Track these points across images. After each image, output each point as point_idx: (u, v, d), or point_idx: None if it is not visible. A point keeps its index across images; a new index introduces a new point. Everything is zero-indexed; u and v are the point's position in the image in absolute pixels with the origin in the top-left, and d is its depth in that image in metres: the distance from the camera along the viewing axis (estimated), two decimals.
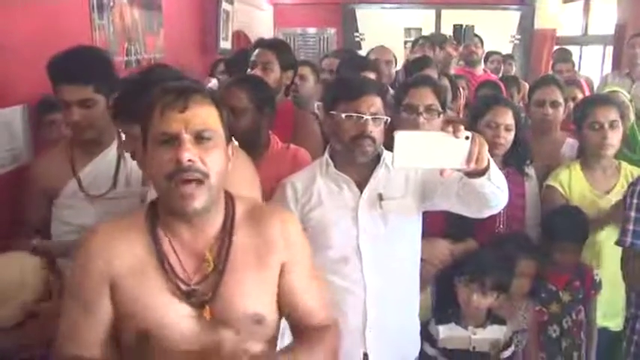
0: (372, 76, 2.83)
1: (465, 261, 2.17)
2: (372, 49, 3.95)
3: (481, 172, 1.44)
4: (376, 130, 1.77)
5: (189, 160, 1.16)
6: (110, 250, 1.24)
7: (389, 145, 1.65)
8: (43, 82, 1.94)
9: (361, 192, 1.82)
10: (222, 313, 1.25)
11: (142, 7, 3.68)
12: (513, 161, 2.40)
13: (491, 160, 1.43)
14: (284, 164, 2.14)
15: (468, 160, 1.32)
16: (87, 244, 1.27)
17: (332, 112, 1.82)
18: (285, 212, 1.40)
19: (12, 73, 2.26)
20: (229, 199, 1.32)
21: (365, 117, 1.75)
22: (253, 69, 2.64)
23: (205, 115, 1.20)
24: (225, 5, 5.15)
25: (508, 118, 2.32)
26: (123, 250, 1.24)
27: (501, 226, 2.33)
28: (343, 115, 1.78)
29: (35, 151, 2.39)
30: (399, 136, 1.29)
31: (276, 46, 2.74)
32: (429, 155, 1.30)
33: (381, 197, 1.80)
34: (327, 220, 1.81)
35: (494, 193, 1.53)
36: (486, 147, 1.36)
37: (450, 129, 1.29)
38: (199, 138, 1.18)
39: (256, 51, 2.69)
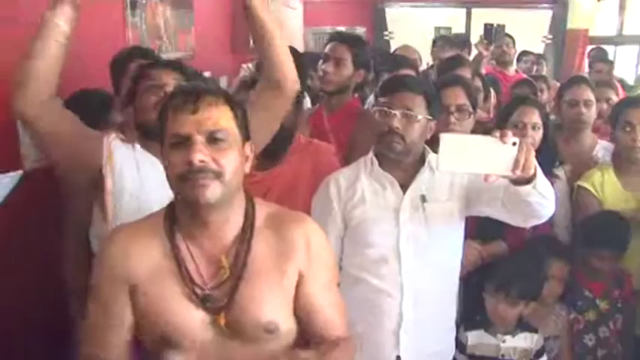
0: (411, 72, 2.80)
1: (492, 268, 2.14)
2: (398, 47, 3.93)
3: (527, 181, 1.41)
4: (407, 128, 1.75)
5: (201, 161, 1.17)
6: (130, 253, 1.25)
7: (435, 148, 1.64)
8: (79, 78, 1.96)
9: (404, 193, 1.80)
10: (237, 320, 1.24)
11: (174, 5, 3.71)
12: (541, 161, 2.35)
13: (538, 168, 1.40)
14: (306, 160, 2.12)
15: (514, 167, 1.30)
16: (108, 248, 1.29)
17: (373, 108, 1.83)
18: (308, 220, 1.37)
19: None
20: (250, 204, 1.31)
21: (393, 112, 1.73)
22: (325, 62, 2.55)
23: (217, 116, 1.20)
24: None
25: (535, 117, 2.30)
26: (142, 253, 1.25)
27: (530, 228, 2.28)
28: (375, 110, 1.78)
29: None
30: (445, 138, 1.28)
31: (351, 41, 2.62)
32: (475, 160, 1.28)
33: (424, 199, 1.78)
34: (369, 219, 1.80)
35: (540, 202, 1.50)
36: (533, 154, 1.33)
37: (497, 134, 1.27)
38: (212, 139, 1.19)
39: (330, 44, 2.58)
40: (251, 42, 5.56)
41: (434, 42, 4.57)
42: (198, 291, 1.24)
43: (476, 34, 5.89)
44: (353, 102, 2.66)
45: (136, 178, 1.68)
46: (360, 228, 1.80)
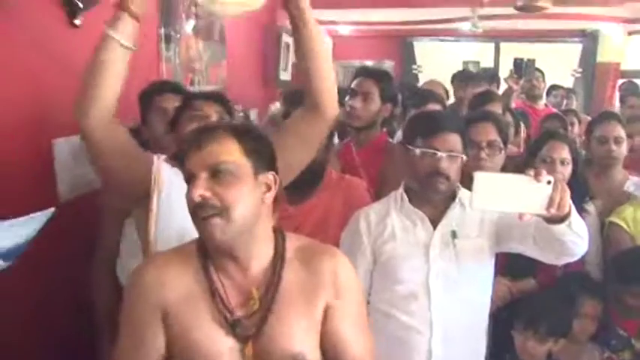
0: (437, 107, 2.81)
1: (521, 305, 2.10)
2: (425, 82, 3.95)
3: (561, 219, 1.40)
4: (451, 168, 1.76)
5: (201, 197, 1.18)
6: (163, 280, 1.27)
7: (464, 182, 1.63)
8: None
9: (434, 229, 1.80)
10: (265, 351, 1.24)
11: (207, 38, 3.80)
12: (571, 197, 2.33)
13: (572, 206, 1.39)
14: (338, 195, 2.13)
15: (549, 206, 1.29)
16: (142, 274, 1.30)
17: (409, 146, 1.81)
18: (338, 254, 1.37)
19: None
20: (280, 236, 1.32)
21: (439, 154, 1.74)
22: (352, 98, 2.57)
23: (220, 150, 1.22)
24: (285, 37, 5.26)
25: (564, 153, 2.28)
26: (175, 280, 1.27)
27: (561, 265, 2.25)
28: (418, 151, 1.77)
29: None
30: (479, 176, 1.28)
31: (378, 75, 2.64)
32: (509, 198, 1.28)
33: (454, 235, 1.78)
34: (398, 255, 1.80)
35: (574, 241, 1.49)
36: (568, 193, 1.33)
37: (532, 172, 1.27)
38: (215, 173, 1.20)
39: (357, 79, 2.60)
40: (281, 75, 5.63)
41: (453, 77, 4.55)
42: (229, 316, 1.25)
43: (504, 67, 5.91)
44: (381, 136, 2.67)
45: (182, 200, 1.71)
46: (389, 264, 1.80)
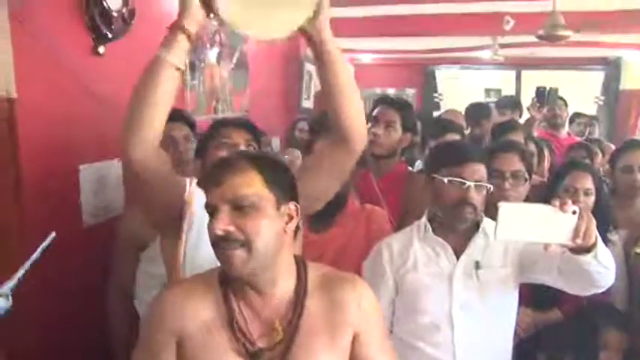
0: (456, 137, 2.81)
1: (545, 336, 2.06)
2: (444, 111, 3.95)
3: (587, 250, 1.38)
4: (478, 198, 1.76)
5: (223, 230, 1.18)
6: (183, 308, 1.27)
7: (487, 212, 1.61)
8: None
9: (458, 259, 1.79)
10: None
11: (230, 66, 3.86)
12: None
13: (598, 237, 1.38)
14: (359, 224, 2.13)
15: (574, 236, 1.29)
16: (161, 300, 1.31)
17: (434, 175, 1.81)
18: (360, 282, 1.37)
19: (108, 127, 2.41)
20: (302, 266, 1.32)
21: (467, 183, 1.74)
22: (374, 126, 2.58)
23: (241, 183, 1.21)
24: (308, 66, 5.31)
25: (587, 183, 2.26)
26: (195, 309, 1.27)
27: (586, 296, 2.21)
28: (445, 180, 1.76)
29: (126, 204, 2.51)
30: (504, 207, 1.28)
31: (400, 105, 2.66)
32: (533, 229, 1.27)
33: (477, 265, 1.76)
34: (421, 285, 1.78)
35: (600, 272, 1.46)
36: (594, 223, 1.31)
37: (557, 202, 1.26)
38: (237, 206, 1.20)
39: (378, 108, 2.60)
40: (303, 102, 5.66)
41: (467, 110, 4.53)
42: (249, 347, 1.24)
43: (526, 95, 5.90)
44: (401, 165, 2.68)
45: None
46: (412, 294, 1.78)
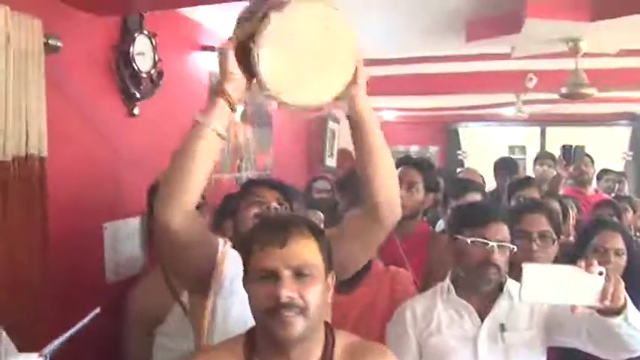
0: (477, 196, 2.81)
1: None
2: (461, 170, 3.96)
3: (617, 312, 1.36)
4: (501, 259, 1.74)
5: (289, 297, 1.18)
6: None
7: (512, 273, 1.59)
8: None
9: (482, 321, 1.76)
10: None
11: (255, 124, 3.93)
12: (628, 288, 2.24)
13: (628, 299, 1.36)
14: (384, 285, 2.12)
15: (602, 298, 1.27)
16: None
17: (457, 236, 1.81)
18: (388, 352, 1.35)
19: (132, 185, 2.48)
20: (329, 332, 1.31)
21: (490, 244, 1.74)
22: None
23: (304, 251, 1.21)
24: (331, 124, 5.40)
25: (618, 243, 2.20)
26: None
27: None
28: (469, 241, 1.76)
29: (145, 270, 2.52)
30: (528, 268, 1.27)
31: (421, 165, 2.66)
32: (559, 290, 1.26)
33: (503, 328, 1.73)
34: (445, 349, 1.75)
35: (631, 335, 1.42)
36: (622, 284, 1.30)
37: (582, 264, 1.25)
38: (298, 274, 1.20)
39: (400, 169, 2.53)
40: (327, 160, 5.67)
41: (495, 169, 4.59)
42: None
43: (551, 151, 5.87)
44: (423, 226, 2.67)
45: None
46: (436, 357, 1.75)
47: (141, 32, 2.50)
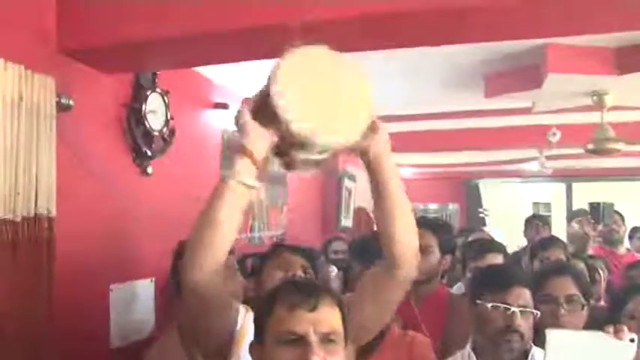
0: (499, 258, 2.79)
1: None
2: (479, 230, 3.93)
3: None
4: (524, 325, 1.71)
5: None
6: None
7: (536, 340, 1.55)
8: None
9: None
10: None
11: (268, 182, 3.97)
12: None
13: None
14: (401, 351, 2.09)
15: None
16: None
17: (477, 301, 1.79)
18: None
19: (143, 245, 2.51)
20: None
21: (512, 309, 1.72)
22: None
23: (332, 317, 1.23)
24: (347, 182, 5.43)
25: None
26: None
27: None
28: (489, 306, 1.74)
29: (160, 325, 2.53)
30: (552, 335, 1.25)
31: (437, 227, 2.64)
32: (586, 358, 1.24)
33: None
34: None
35: None
36: None
37: (611, 329, 1.24)
38: (325, 340, 1.21)
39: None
40: (342, 221, 5.64)
41: (527, 221, 4.58)
42: None
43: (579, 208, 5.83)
44: (441, 289, 2.65)
45: None
46: None
47: (153, 90, 2.58)
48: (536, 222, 4.57)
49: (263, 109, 1.29)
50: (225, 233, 1.33)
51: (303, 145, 1.29)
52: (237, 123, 1.34)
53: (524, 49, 2.93)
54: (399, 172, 1.47)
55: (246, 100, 1.35)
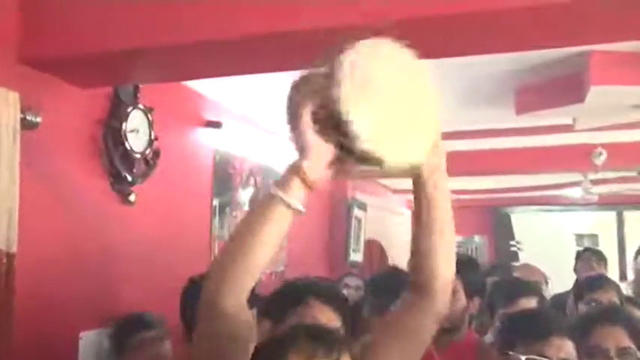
0: (533, 302, 2.75)
1: None
2: (516, 268, 3.89)
3: None
4: None
5: None
6: None
7: None
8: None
9: None
10: None
11: None
12: None
13: None
14: None
15: None
16: None
17: (509, 352, 1.77)
18: None
19: (122, 284, 2.50)
20: None
21: None
22: None
23: None
24: (357, 211, 5.42)
25: None
26: None
27: None
28: (523, 359, 1.73)
29: None
30: None
31: (461, 265, 2.65)
32: None
33: None
34: None
35: None
36: None
37: None
38: None
39: None
40: (351, 255, 5.60)
41: (578, 255, 4.51)
42: None
43: (632, 242, 5.77)
44: (469, 336, 2.61)
45: None
46: None
47: (135, 106, 2.59)
48: (589, 257, 4.46)
49: (322, 113, 1.26)
50: (260, 256, 1.34)
51: (366, 160, 1.28)
52: (294, 131, 1.32)
53: (561, 56, 2.91)
54: (450, 196, 1.47)
55: (300, 87, 1.32)
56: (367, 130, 1.24)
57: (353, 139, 1.23)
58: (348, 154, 1.28)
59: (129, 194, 2.60)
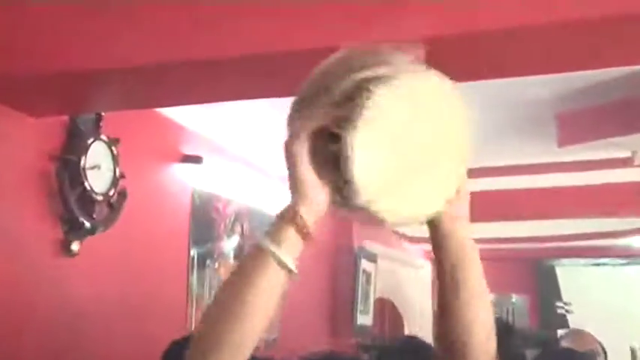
0: None
1: None
2: (566, 335, 3.89)
3: None
4: None
5: None
6: None
7: None
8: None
9: None
10: None
11: None
12: None
13: None
14: None
15: None
16: None
17: None
18: None
19: (81, 343, 2.50)
20: None
21: None
22: None
23: None
24: (365, 264, 5.43)
25: None
26: None
27: None
28: None
29: None
30: None
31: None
32: None
33: None
34: None
35: None
36: None
37: None
38: None
39: None
40: (358, 318, 5.61)
41: None
42: None
43: None
44: None
45: None
46: None
47: (97, 137, 2.60)
48: None
49: (321, 148, 1.26)
50: (259, 325, 1.30)
51: (368, 212, 1.27)
52: (290, 168, 1.30)
53: (610, 77, 2.91)
54: (477, 248, 1.43)
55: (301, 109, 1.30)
56: (370, 184, 1.24)
57: (352, 193, 1.24)
58: (347, 203, 1.28)
59: (84, 245, 2.59)
